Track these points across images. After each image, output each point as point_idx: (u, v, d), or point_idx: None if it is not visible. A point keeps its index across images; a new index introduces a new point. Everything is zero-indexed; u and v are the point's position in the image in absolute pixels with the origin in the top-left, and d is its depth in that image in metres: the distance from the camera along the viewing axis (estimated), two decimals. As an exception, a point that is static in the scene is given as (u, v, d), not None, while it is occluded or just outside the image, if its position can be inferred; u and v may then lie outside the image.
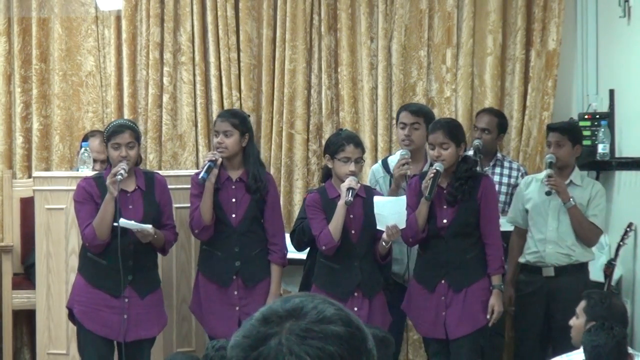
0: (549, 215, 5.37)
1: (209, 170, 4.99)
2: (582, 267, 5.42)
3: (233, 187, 5.10)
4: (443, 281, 4.97)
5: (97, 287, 4.91)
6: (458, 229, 4.94)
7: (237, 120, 5.11)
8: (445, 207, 4.97)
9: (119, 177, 4.78)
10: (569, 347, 4.88)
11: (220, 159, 5.04)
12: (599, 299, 4.32)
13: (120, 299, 4.90)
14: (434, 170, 4.88)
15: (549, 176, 5.25)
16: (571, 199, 5.27)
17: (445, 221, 4.95)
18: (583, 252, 5.38)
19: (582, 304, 4.38)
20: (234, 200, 5.09)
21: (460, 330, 4.93)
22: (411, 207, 4.95)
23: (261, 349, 1.48)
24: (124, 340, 4.90)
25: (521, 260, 5.46)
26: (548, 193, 5.26)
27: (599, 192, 5.42)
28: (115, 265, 4.86)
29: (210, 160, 5.02)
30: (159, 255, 5.15)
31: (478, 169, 5.55)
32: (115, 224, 4.80)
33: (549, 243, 5.36)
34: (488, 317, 4.95)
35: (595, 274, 5.57)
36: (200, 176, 4.99)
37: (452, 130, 4.98)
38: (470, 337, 4.95)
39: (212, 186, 5.02)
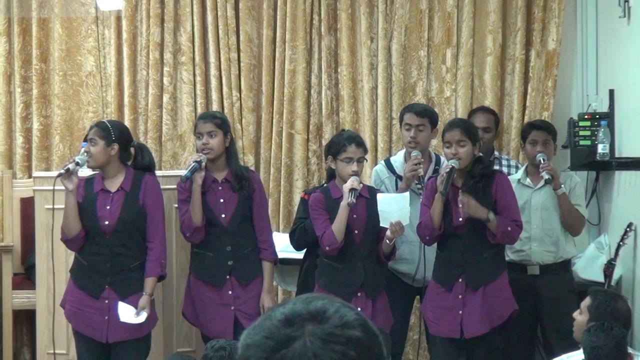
0: (532, 213, 5.42)
1: (193, 170, 4.97)
2: (566, 265, 5.47)
3: (220, 188, 5.11)
4: (460, 280, 4.97)
5: (80, 288, 4.92)
6: (474, 227, 4.94)
7: (220, 120, 5.16)
8: (461, 205, 4.98)
9: (63, 171, 4.79)
10: (557, 344, 4.89)
11: (204, 162, 5.02)
12: (604, 300, 4.21)
13: (99, 300, 4.87)
14: (449, 166, 4.91)
15: (543, 160, 5.29)
16: (562, 186, 5.31)
17: (461, 219, 4.97)
18: (567, 247, 5.44)
19: (587, 301, 4.27)
20: (222, 200, 5.09)
21: (477, 329, 4.93)
22: (427, 207, 4.98)
23: (284, 351, 1.47)
24: (107, 342, 4.87)
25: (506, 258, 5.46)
26: (548, 180, 5.27)
27: (577, 183, 5.55)
28: (93, 266, 4.87)
29: (195, 161, 5.00)
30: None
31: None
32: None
33: (533, 241, 5.41)
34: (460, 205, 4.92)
35: (595, 273, 5.58)
36: (184, 174, 4.98)
37: (469, 128, 5.03)
38: (487, 336, 4.95)
39: (200, 188, 5.01)
